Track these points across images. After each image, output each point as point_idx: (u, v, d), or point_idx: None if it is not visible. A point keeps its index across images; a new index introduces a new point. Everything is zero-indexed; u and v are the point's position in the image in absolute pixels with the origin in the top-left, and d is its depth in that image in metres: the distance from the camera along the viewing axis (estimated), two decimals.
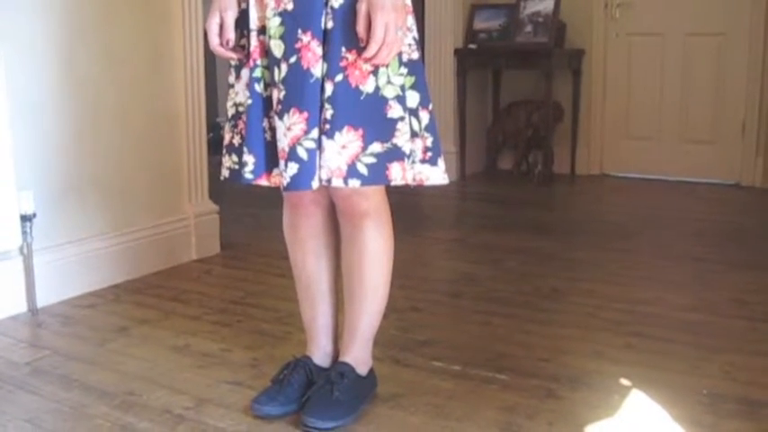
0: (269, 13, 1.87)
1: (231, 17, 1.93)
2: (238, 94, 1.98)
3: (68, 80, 3.06)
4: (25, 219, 2.88)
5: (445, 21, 5.53)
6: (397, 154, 1.86)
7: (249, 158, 1.92)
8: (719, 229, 4.21)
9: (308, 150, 1.83)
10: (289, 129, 1.83)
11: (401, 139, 1.86)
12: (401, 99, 1.87)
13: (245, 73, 1.95)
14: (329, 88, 1.82)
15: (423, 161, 1.95)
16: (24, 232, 2.89)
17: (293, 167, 1.83)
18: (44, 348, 2.61)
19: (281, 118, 1.84)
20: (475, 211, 4.83)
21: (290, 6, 1.84)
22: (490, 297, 3.08)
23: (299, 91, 1.82)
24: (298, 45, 1.83)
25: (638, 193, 5.24)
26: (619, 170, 5.71)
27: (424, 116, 1.94)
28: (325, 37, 1.83)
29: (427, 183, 1.96)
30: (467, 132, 5.63)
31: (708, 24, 5.32)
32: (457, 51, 5.54)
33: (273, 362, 2.40)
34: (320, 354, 2.17)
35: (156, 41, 3.40)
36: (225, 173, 2.03)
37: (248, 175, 1.93)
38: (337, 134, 1.82)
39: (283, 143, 1.84)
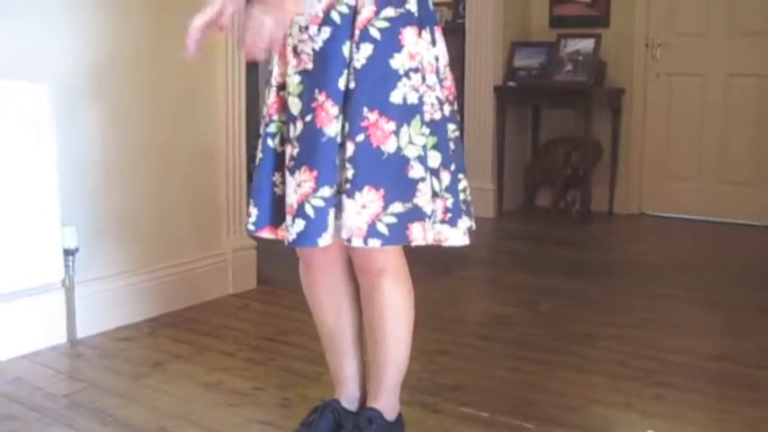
0: (290, 70, 1.91)
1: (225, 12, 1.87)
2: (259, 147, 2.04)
3: (111, 117, 3.14)
4: (68, 253, 2.96)
5: (485, 58, 5.58)
6: (418, 214, 1.87)
7: (253, 210, 1.99)
8: (757, 273, 4.17)
9: (315, 208, 1.85)
10: (299, 185, 1.86)
11: (422, 199, 1.87)
12: (422, 159, 1.88)
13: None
14: (350, 148, 1.84)
15: (442, 222, 1.94)
16: (67, 266, 2.97)
17: (300, 224, 1.86)
18: (82, 381, 2.68)
19: (292, 174, 1.88)
20: (511, 249, 4.84)
21: (309, 66, 1.88)
22: (521, 341, 3.09)
23: (312, 149, 1.86)
24: (314, 104, 1.86)
25: (675, 233, 5.23)
26: (657, 210, 5.70)
27: (445, 177, 1.94)
28: (347, 97, 1.85)
29: (446, 244, 1.95)
30: (505, 169, 5.65)
31: (749, 65, 5.31)
32: (496, 89, 5.58)
33: (305, 402, 2.43)
34: (348, 398, 2.20)
35: (198, 77, 3.48)
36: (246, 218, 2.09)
37: (250, 227, 2.01)
38: (358, 194, 1.84)
39: (292, 199, 1.88)
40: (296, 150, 1.88)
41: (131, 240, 3.27)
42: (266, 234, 2.00)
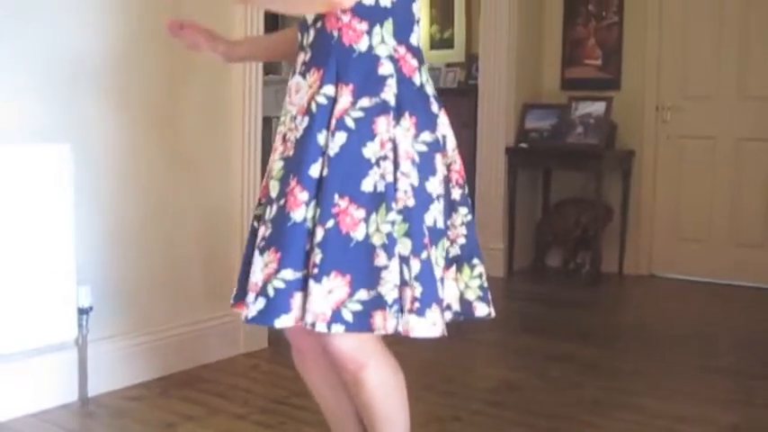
0: (277, 156, 1.98)
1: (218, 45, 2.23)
2: None
3: (131, 178, 3.20)
4: (82, 312, 2.99)
5: (497, 119, 5.64)
6: (380, 303, 1.85)
7: (237, 285, 2.04)
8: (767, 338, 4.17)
9: (275, 289, 1.86)
10: (266, 265, 1.89)
11: (385, 287, 1.85)
12: (386, 247, 1.85)
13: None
14: (320, 233, 1.84)
15: (410, 311, 1.88)
16: (80, 325, 2.99)
17: (261, 302, 1.87)
18: None
19: (261, 254, 1.91)
20: (520, 311, 4.84)
21: (291, 153, 1.93)
22: (531, 408, 3.08)
23: (280, 232, 1.88)
24: (287, 189, 1.90)
25: (685, 296, 5.22)
26: (667, 271, 5.69)
27: (416, 265, 1.88)
28: (321, 184, 1.87)
29: (413, 334, 1.88)
30: (516, 229, 5.68)
31: (759, 129, 5.34)
32: (508, 150, 5.62)
33: None
34: None
35: (213, 137, 3.54)
36: None
37: (231, 300, 2.06)
38: (325, 278, 1.83)
39: (258, 277, 1.89)
40: (268, 231, 1.91)
41: (145, 299, 3.30)
42: (238, 309, 2.02)
